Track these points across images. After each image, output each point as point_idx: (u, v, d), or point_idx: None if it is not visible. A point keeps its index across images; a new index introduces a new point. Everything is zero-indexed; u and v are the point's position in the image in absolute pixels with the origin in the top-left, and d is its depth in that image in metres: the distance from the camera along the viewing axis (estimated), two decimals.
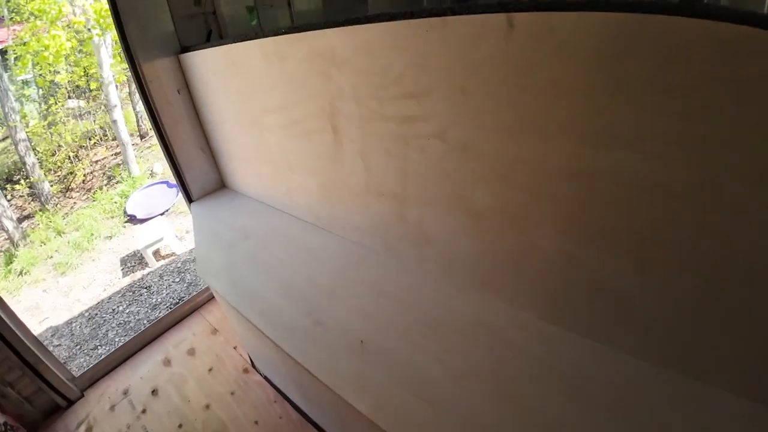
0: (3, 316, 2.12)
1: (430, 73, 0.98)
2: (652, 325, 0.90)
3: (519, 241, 1.05)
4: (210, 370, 2.38)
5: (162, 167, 8.52)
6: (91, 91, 9.55)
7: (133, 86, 9.42)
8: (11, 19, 9.05)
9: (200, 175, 2.49)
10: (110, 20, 1.92)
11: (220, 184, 2.59)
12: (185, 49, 2.14)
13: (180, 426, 2.10)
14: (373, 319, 1.25)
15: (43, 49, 7.44)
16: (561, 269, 1.00)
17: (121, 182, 8.33)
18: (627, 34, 0.69)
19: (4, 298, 2.18)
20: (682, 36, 0.64)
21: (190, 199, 2.50)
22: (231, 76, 1.83)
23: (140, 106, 9.86)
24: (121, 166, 8.80)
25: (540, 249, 1.01)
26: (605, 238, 0.88)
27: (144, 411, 2.25)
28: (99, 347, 4.07)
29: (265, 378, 2.16)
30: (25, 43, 7.54)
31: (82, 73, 8.87)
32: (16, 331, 2.17)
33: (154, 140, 9.78)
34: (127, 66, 2.15)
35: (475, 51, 0.88)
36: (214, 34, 2.25)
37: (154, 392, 2.35)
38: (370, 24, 1.05)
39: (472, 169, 1.05)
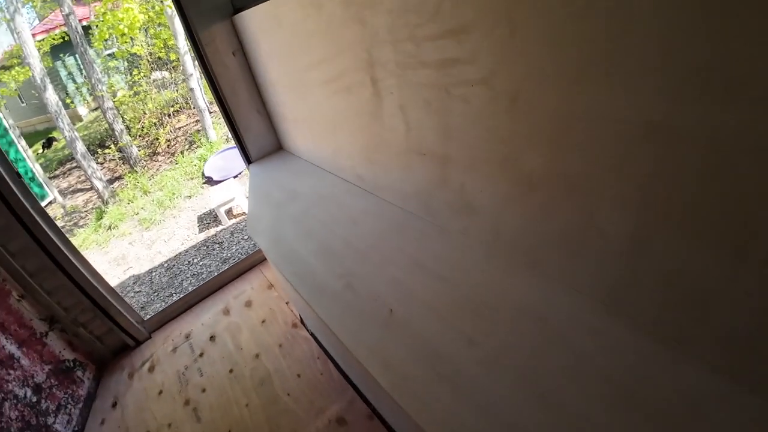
0: (77, 264, 2.26)
1: (471, 3, 0.79)
2: (739, 331, 0.66)
3: (577, 217, 0.83)
4: (263, 322, 2.42)
5: None
6: (171, 62, 9.99)
7: None
8: None
9: (258, 137, 2.47)
10: None
11: (277, 146, 2.55)
12: (237, 10, 2.06)
13: (231, 371, 2.16)
14: (405, 290, 1.11)
15: (119, 22, 7.80)
16: (628, 254, 0.76)
17: (199, 147, 8.75)
18: None
19: (74, 245, 2.32)
20: None
21: (248, 161, 2.50)
22: (275, 32, 1.72)
23: None
24: (200, 132, 9.23)
25: (603, 229, 0.79)
26: (692, 220, 0.64)
27: (201, 354, 2.34)
28: (174, 295, 4.37)
29: (312, 334, 2.15)
30: (102, 18, 7.96)
31: (162, 45, 9.26)
32: (90, 279, 2.32)
33: None
34: (183, 28, 2.12)
35: None
36: None
37: (212, 338, 2.44)
38: None
39: (523, 126, 0.84)
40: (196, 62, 2.24)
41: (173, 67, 10.40)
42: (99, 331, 2.46)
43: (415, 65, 1.01)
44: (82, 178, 9.72)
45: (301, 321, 2.28)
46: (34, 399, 1.98)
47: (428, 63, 0.97)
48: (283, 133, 2.40)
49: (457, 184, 1.11)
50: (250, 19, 1.95)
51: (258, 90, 2.34)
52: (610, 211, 0.76)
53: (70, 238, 2.29)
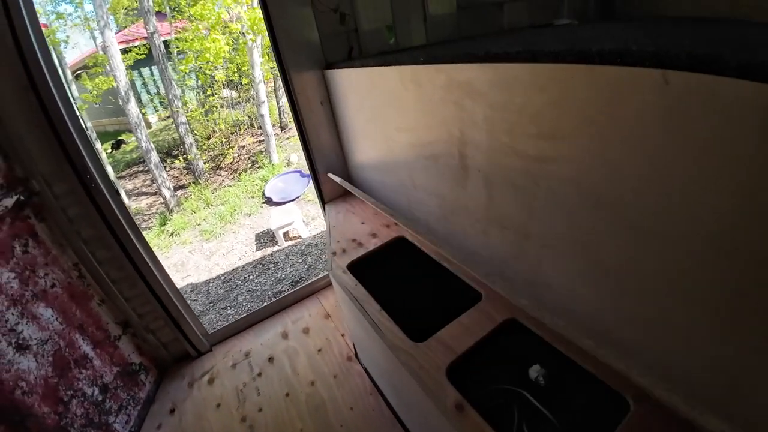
0: (156, 274, 2.46)
1: (571, 118, 0.92)
2: None
3: (655, 312, 0.93)
4: (319, 350, 2.55)
5: (297, 158, 9.30)
6: (242, 85, 10.74)
7: (279, 82, 10.47)
8: (173, 16, 10.55)
9: (333, 178, 2.67)
10: (262, 26, 2.12)
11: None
12: (329, 65, 2.30)
13: (287, 395, 2.28)
14: None
15: (204, 50, 8.56)
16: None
17: (262, 167, 9.28)
18: None
19: (158, 258, 2.54)
20: None
21: (323, 200, 2.70)
22: (368, 95, 1.92)
23: (283, 100, 10.87)
24: (263, 153, 9.79)
25: (677, 324, 0.89)
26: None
27: (260, 374, 2.49)
28: (228, 308, 4.61)
29: (365, 369, 2.25)
30: (188, 41, 8.72)
31: (236, 69, 10.02)
32: (166, 288, 2.52)
33: (293, 132, 10.71)
34: (278, 74, 2.38)
35: (622, 102, 0.80)
36: (355, 51, 2.38)
37: (270, 359, 2.59)
38: (509, 63, 1.02)
39: (603, 224, 0.95)
40: (286, 107, 2.49)
41: (244, 90, 11.18)
42: (166, 339, 2.63)
43: (507, 152, 1.15)
44: (148, 181, 10.44)
45: (356, 354, 2.39)
46: (100, 398, 2.11)
47: (521, 154, 1.10)
48: (357, 179, 2.59)
49: (535, 259, 1.21)
50: (342, 76, 2.17)
51: (338, 137, 2.57)
52: (682, 306, 0.84)
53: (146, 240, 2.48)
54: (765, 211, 0.65)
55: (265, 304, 3.08)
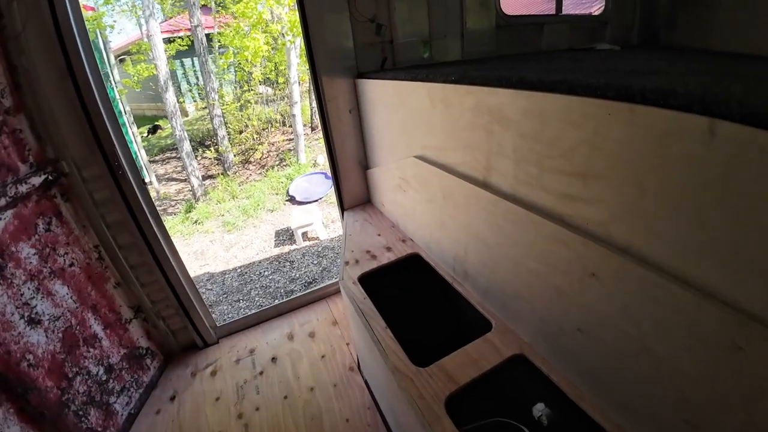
0: (173, 264, 2.49)
1: (606, 158, 0.85)
2: None
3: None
4: (323, 357, 2.51)
5: (323, 159, 9.36)
6: (278, 83, 10.89)
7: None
8: (218, 11, 10.78)
9: (354, 186, 2.65)
10: (301, 28, 2.11)
11: (367, 199, 2.71)
12: (361, 75, 2.28)
13: (285, 397, 2.25)
14: None
15: (244, 48, 8.71)
16: None
17: (289, 165, 9.37)
18: None
19: (176, 248, 2.56)
20: None
21: (342, 207, 2.68)
22: (396, 109, 1.88)
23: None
24: (292, 152, 9.89)
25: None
26: None
27: (261, 373, 2.47)
28: (241, 301, 4.63)
29: (366, 382, 2.20)
30: (229, 37, 8.89)
31: (273, 68, 10.17)
32: (180, 278, 2.54)
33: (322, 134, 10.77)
34: (311, 82, 2.37)
35: (664, 148, 0.74)
36: (388, 62, 2.36)
37: (273, 359, 2.57)
38: (545, 93, 0.96)
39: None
40: (316, 110, 2.48)
41: (279, 88, 11.33)
42: (175, 327, 2.65)
43: (534, 186, 1.09)
44: (178, 168, 10.64)
45: (358, 366, 2.34)
46: (104, 378, 2.13)
47: (549, 190, 1.04)
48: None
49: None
50: (372, 87, 2.15)
51: (364, 147, 2.54)
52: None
53: (166, 229, 2.51)
54: None
55: (276, 302, 3.07)
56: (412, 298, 2.00)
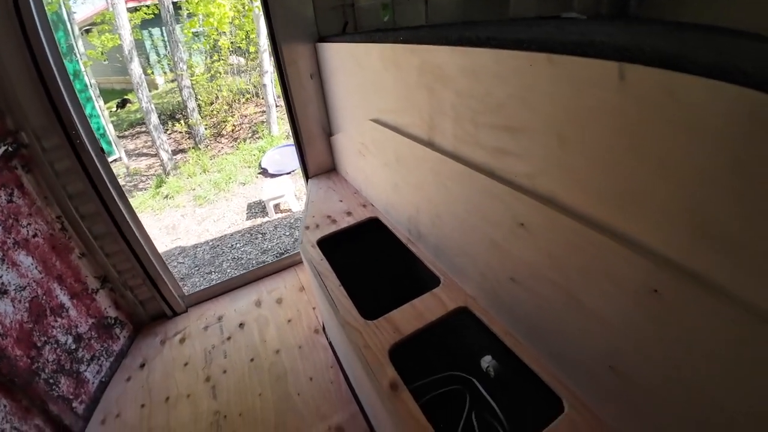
0: (137, 233, 2.47)
1: (531, 110, 0.88)
2: None
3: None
4: (289, 321, 2.55)
5: None
6: (249, 53, 10.49)
7: None
8: None
9: (318, 154, 2.64)
10: None
11: (332, 167, 2.70)
12: (322, 39, 2.23)
13: (252, 360, 2.30)
14: None
15: (209, 14, 8.35)
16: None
17: (261, 138, 9.17)
18: (762, 123, 0.51)
19: (139, 218, 2.54)
20: None
21: (307, 175, 2.66)
22: (353, 73, 1.86)
23: None
24: (264, 124, 9.66)
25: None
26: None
27: (229, 338, 2.50)
28: (212, 273, 4.60)
29: (330, 343, 2.26)
30: (193, 3, 8.49)
31: (244, 36, 9.78)
32: (145, 247, 2.53)
33: None
34: (270, 46, 2.30)
35: (580, 97, 0.76)
36: (350, 26, 2.31)
37: (241, 325, 2.60)
38: (479, 48, 0.97)
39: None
40: (276, 75, 2.42)
41: (251, 58, 10.92)
42: (143, 297, 2.66)
43: (471, 143, 1.11)
44: (149, 143, 10.24)
45: (323, 328, 2.40)
46: (73, 346, 2.14)
47: (483, 146, 1.06)
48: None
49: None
50: (332, 51, 2.11)
51: (326, 112, 2.51)
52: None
53: (128, 199, 2.50)
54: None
55: (243, 271, 3.07)
56: (371, 260, 2.05)
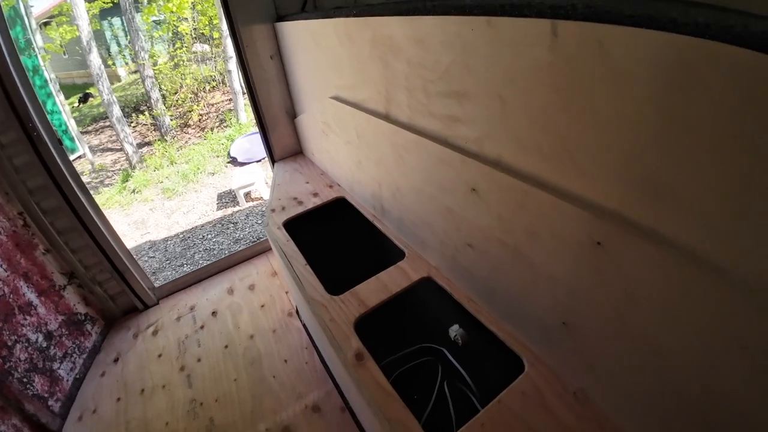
0: (103, 229, 2.42)
1: (474, 75, 0.90)
2: None
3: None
4: (262, 306, 2.55)
5: None
6: (213, 39, 10.17)
7: None
8: None
9: (283, 137, 2.60)
10: None
11: (298, 150, 2.68)
12: (281, 18, 2.19)
13: (226, 347, 2.30)
14: None
15: (168, 0, 8.05)
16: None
17: (229, 126, 8.96)
18: (694, 65, 0.53)
19: (104, 213, 2.49)
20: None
21: (273, 159, 2.63)
22: (312, 50, 1.84)
23: None
24: (232, 112, 9.43)
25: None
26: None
27: (202, 327, 2.49)
28: (185, 265, 4.53)
29: (304, 326, 2.27)
30: None
31: (207, 22, 9.46)
32: (111, 241, 2.47)
33: None
34: (228, 27, 2.24)
35: (517, 57, 0.78)
36: (309, 4, 2.26)
37: (214, 313, 2.58)
38: (426, 16, 0.98)
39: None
40: (236, 59, 2.36)
41: (216, 44, 10.58)
42: (113, 291, 2.61)
43: (424, 112, 1.13)
44: (113, 137, 9.89)
45: (297, 311, 2.40)
46: (45, 344, 2.10)
47: (435, 114, 1.08)
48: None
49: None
50: (291, 30, 2.07)
51: (289, 94, 2.47)
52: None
53: (95, 196, 2.43)
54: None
55: (214, 260, 3.03)
56: (338, 239, 2.06)
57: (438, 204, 1.20)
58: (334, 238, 2.05)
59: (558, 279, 0.89)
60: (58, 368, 2.13)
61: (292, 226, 1.84)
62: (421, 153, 1.18)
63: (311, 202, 1.98)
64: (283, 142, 2.61)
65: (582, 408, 0.95)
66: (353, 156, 1.74)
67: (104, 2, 10.13)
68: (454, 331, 1.46)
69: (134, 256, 2.71)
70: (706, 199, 0.58)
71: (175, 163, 7.97)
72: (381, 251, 1.77)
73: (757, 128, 0.49)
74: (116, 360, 2.37)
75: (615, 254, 0.74)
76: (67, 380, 2.16)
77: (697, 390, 0.68)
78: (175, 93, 9.93)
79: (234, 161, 7.40)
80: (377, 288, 1.35)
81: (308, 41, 1.86)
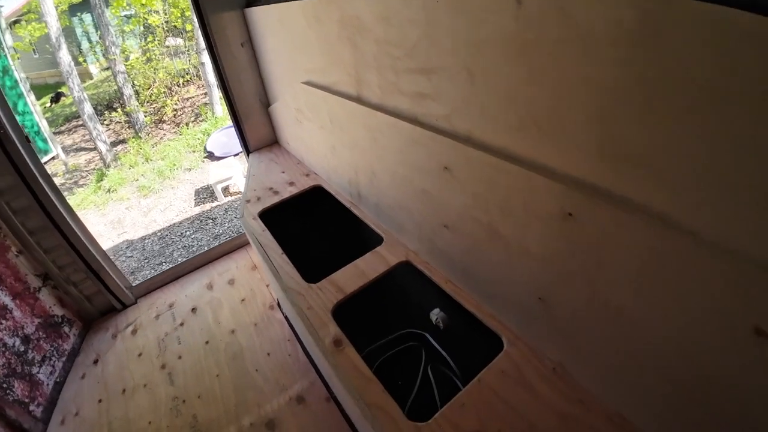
0: (75, 228, 2.34)
1: (440, 48, 0.88)
2: None
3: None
4: (243, 300, 2.51)
5: None
6: (187, 32, 9.90)
7: None
8: None
9: (257, 127, 2.54)
10: None
11: (274, 139, 2.62)
12: (250, 3, 2.12)
13: (207, 343, 2.26)
14: None
15: None
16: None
17: (205, 120, 8.76)
18: (657, 23, 0.52)
19: (76, 213, 2.40)
20: (734, 34, 0.46)
21: (248, 149, 2.57)
22: (281, 35, 1.79)
23: None
24: (207, 105, 9.22)
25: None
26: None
27: (182, 324, 2.44)
28: (163, 264, 4.44)
29: (286, 318, 2.25)
30: None
31: (179, 14, 9.20)
32: (85, 241, 2.40)
33: None
34: (195, 14, 2.17)
35: (481, 27, 0.76)
36: None
37: (193, 310, 2.53)
38: None
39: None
40: (206, 48, 2.29)
41: (189, 37, 10.31)
42: (89, 291, 2.54)
43: (394, 91, 1.10)
44: (87, 137, 9.62)
45: (278, 304, 2.38)
46: (22, 348, 2.05)
47: (405, 93, 1.06)
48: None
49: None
50: (261, 15, 2.01)
51: (262, 82, 2.41)
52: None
53: (69, 197, 2.37)
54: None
55: (192, 256, 2.97)
56: (316, 227, 2.03)
57: (413, 186, 1.18)
58: (311, 227, 2.02)
59: (532, 253, 0.89)
60: (38, 372, 2.08)
61: (268, 216, 1.81)
62: (393, 134, 1.16)
63: (287, 192, 1.95)
64: (257, 132, 2.55)
65: (561, 383, 0.96)
66: (327, 142, 1.70)
67: None
68: (435, 314, 1.46)
69: (111, 257, 2.63)
70: (676, 163, 0.58)
71: (151, 160, 7.77)
72: (359, 238, 1.75)
73: (727, 85, 0.48)
74: (96, 361, 2.32)
75: (586, 224, 0.74)
76: (48, 384, 2.11)
77: (675, 358, 0.68)
78: (149, 88, 9.66)
79: (211, 156, 7.25)
80: (355, 274, 1.33)
81: (277, 26, 1.82)
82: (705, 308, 0.60)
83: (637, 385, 0.78)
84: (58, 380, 2.18)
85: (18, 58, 8.85)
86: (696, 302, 0.61)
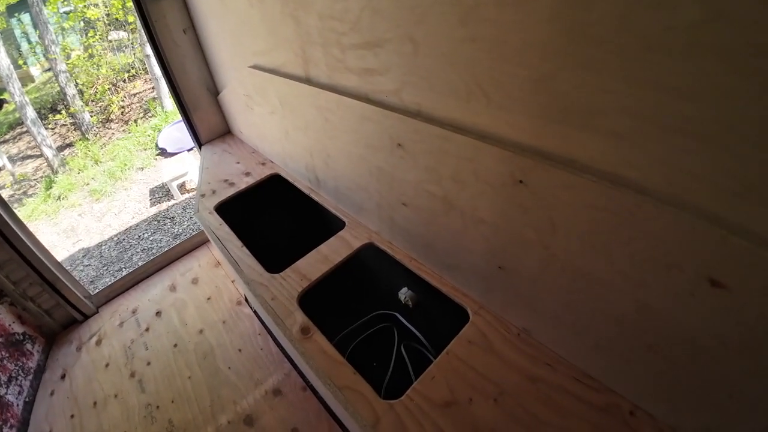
0: (25, 240, 2.22)
1: (384, 19, 0.86)
2: None
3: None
4: (208, 299, 2.45)
5: None
6: (129, 24, 9.36)
7: None
8: None
9: (207, 117, 2.45)
10: None
11: (226, 129, 2.54)
12: None
13: (175, 345, 2.20)
14: None
15: None
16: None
17: (154, 116, 8.37)
18: None
19: (25, 224, 2.27)
20: None
21: (199, 142, 2.47)
22: (223, 16, 1.72)
23: None
24: (156, 100, 8.80)
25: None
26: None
27: (147, 329, 2.37)
28: (123, 269, 4.26)
29: (255, 312, 2.21)
30: None
31: (120, 6, 8.68)
32: (37, 253, 2.28)
33: None
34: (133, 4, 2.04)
35: None
36: None
37: (158, 314, 2.45)
38: None
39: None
40: (146, 37, 2.16)
41: (132, 30, 9.75)
42: (47, 305, 2.45)
43: (341, 69, 1.08)
44: (33, 144, 9.05)
45: (245, 299, 2.33)
46: None
47: (352, 69, 1.03)
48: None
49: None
50: None
51: (209, 70, 2.31)
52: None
53: (18, 209, 2.22)
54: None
55: (151, 258, 2.86)
56: (275, 217, 2.00)
57: (368, 164, 1.17)
58: (272, 217, 1.98)
59: (487, 221, 0.90)
60: (6, 394, 2.00)
61: (225, 209, 1.76)
62: (344, 113, 1.14)
63: (244, 183, 1.90)
64: (208, 123, 2.45)
65: (527, 347, 0.99)
66: (280, 126, 1.66)
67: None
68: (404, 293, 1.47)
69: (68, 267, 2.51)
70: (618, 118, 0.59)
71: (100, 162, 7.39)
72: (321, 224, 1.74)
73: (666, 27, 0.49)
74: (63, 376, 2.24)
75: (536, 188, 0.76)
76: (17, 405, 2.03)
77: (631, 311, 0.71)
78: (92, 86, 9.10)
79: (163, 152, 6.95)
80: (318, 260, 1.32)
81: (219, 7, 1.73)
82: (659, 263, 0.63)
83: (601, 344, 0.81)
84: (27, 400, 2.10)
85: None
86: (650, 258, 0.63)
